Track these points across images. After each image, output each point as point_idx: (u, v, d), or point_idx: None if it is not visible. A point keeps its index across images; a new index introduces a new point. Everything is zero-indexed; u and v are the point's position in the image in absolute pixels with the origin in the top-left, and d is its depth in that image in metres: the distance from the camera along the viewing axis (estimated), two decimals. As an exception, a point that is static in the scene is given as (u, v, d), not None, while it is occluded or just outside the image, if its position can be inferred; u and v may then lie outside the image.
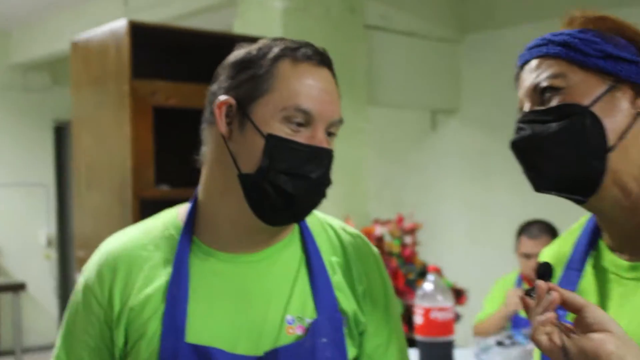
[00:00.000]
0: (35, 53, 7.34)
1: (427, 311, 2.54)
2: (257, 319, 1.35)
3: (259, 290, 1.37)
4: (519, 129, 1.25)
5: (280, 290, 1.38)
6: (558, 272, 1.31)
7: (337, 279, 1.42)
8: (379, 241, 4.36)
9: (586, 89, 1.20)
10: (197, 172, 1.43)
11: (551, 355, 1.07)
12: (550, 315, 1.08)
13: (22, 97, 7.90)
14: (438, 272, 2.82)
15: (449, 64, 5.48)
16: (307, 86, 1.32)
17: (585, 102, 1.19)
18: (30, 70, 7.90)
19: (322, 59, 1.36)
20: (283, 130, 1.30)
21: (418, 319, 2.58)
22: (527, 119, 1.24)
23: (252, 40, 1.43)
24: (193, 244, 1.39)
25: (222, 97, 1.34)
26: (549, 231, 3.70)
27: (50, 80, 8.03)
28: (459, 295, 4.05)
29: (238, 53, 1.38)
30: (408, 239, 4.45)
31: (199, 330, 1.32)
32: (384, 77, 4.97)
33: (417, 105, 5.56)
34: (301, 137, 1.31)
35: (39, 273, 7.95)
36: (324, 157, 1.33)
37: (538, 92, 1.23)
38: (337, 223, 1.52)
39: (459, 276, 4.49)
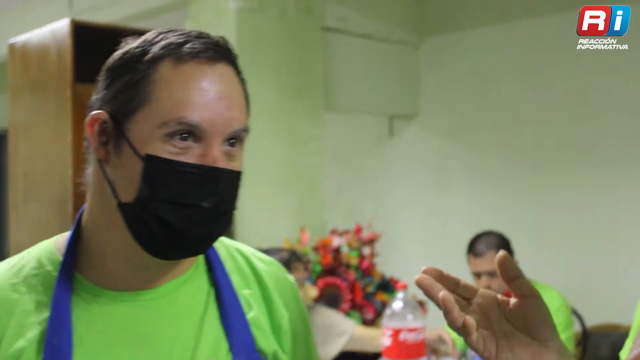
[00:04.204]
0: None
1: (396, 332, 2.40)
2: None
3: (160, 334, 1.13)
4: None
5: (187, 331, 1.15)
6: None
7: (253, 314, 1.21)
8: (337, 253, 4.22)
9: None
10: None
11: None
12: None
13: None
14: (406, 288, 2.66)
15: (407, 68, 5.37)
16: (194, 92, 1.07)
17: None
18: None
19: (215, 54, 1.10)
20: (166, 150, 1.06)
21: (386, 341, 2.42)
22: None
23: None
24: (75, 282, 1.13)
25: (94, 112, 1.10)
26: (497, 245, 3.54)
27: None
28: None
29: (117, 53, 1.13)
30: (366, 250, 4.32)
31: None
32: (341, 82, 4.84)
33: (374, 111, 5.44)
34: (191, 155, 1.07)
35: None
36: (219, 180, 1.08)
37: None
38: (248, 249, 1.31)
39: (418, 288, 4.36)
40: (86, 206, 1.17)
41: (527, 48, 4.85)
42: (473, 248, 3.59)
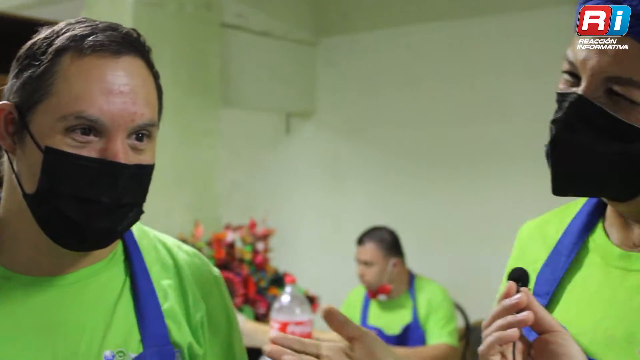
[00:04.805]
0: None
1: (283, 325, 2.45)
2: (66, 356, 1.11)
3: (69, 320, 1.13)
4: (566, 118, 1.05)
5: (96, 319, 1.15)
6: (539, 251, 1.21)
7: (168, 305, 1.21)
8: (230, 247, 4.25)
9: None
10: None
11: None
12: (514, 334, 0.97)
13: None
14: (294, 282, 2.73)
15: (304, 66, 5.43)
16: (94, 86, 1.06)
17: None
18: None
19: (120, 47, 1.09)
20: (66, 143, 1.05)
21: (274, 334, 2.47)
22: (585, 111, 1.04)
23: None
24: None
25: (0, 103, 1.11)
26: (379, 238, 3.69)
27: None
28: (311, 302, 3.99)
29: (27, 43, 1.13)
30: (260, 245, 4.36)
31: None
32: (238, 78, 4.86)
33: (271, 108, 5.48)
34: (92, 149, 1.07)
35: None
36: (118, 175, 1.07)
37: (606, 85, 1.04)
38: (171, 240, 1.31)
39: (311, 283, 4.43)
40: (2, 194, 1.17)
41: (420, 51, 4.98)
42: (359, 237, 3.75)
